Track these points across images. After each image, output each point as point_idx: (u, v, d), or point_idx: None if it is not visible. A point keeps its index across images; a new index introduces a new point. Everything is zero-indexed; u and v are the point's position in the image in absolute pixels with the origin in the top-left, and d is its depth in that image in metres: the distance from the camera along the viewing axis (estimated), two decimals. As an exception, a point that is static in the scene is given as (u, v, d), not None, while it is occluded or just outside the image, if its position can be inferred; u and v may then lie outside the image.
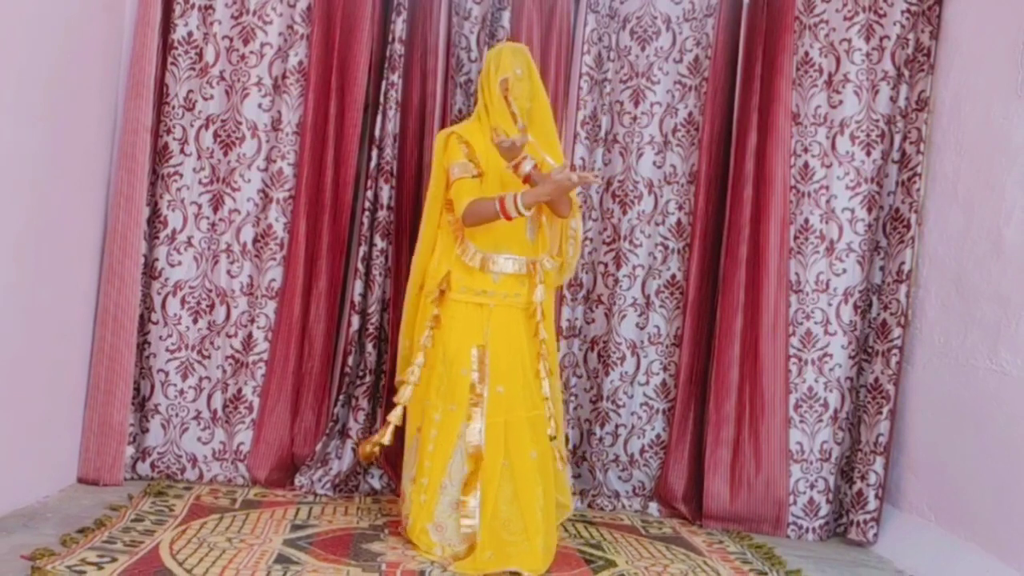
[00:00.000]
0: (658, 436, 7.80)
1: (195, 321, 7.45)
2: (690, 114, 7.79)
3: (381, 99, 7.46)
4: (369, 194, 7.44)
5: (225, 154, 7.44)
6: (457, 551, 5.96)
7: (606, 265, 7.85)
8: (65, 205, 6.58)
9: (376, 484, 7.43)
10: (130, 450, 7.26)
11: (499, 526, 5.96)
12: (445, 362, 6.15)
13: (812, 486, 7.46)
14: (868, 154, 7.47)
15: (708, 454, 7.44)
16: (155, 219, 7.34)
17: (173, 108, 7.36)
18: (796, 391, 7.49)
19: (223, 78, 7.45)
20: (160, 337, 7.40)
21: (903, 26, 7.39)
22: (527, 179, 6.02)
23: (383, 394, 7.36)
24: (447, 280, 6.21)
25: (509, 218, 5.95)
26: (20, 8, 5.69)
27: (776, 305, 7.41)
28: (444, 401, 6.12)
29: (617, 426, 7.83)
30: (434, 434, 6.12)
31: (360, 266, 7.41)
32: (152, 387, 7.39)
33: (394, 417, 6.26)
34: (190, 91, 7.41)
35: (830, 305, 7.50)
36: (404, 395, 6.27)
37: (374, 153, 7.42)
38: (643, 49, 7.80)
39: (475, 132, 6.35)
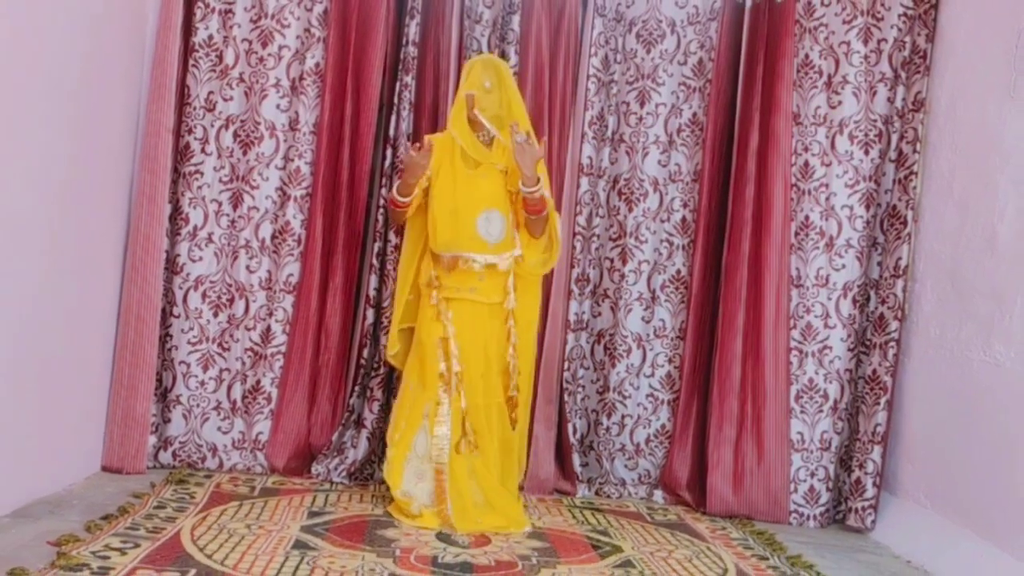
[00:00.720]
0: (663, 426, 7.78)
1: (215, 315, 7.44)
2: (694, 115, 7.76)
3: (395, 100, 7.45)
4: (383, 191, 7.42)
5: (244, 153, 7.43)
6: (427, 509, 6.40)
7: (612, 261, 7.82)
8: (90, 204, 6.57)
9: (390, 472, 7.43)
10: (152, 440, 7.25)
11: (458, 495, 6.43)
12: (419, 350, 6.60)
13: (812, 474, 7.45)
14: (866, 153, 7.46)
15: (711, 443, 7.42)
16: (177, 216, 7.34)
17: (194, 109, 7.35)
18: (797, 382, 7.49)
19: (242, 80, 7.44)
20: (182, 330, 7.39)
21: (900, 29, 7.38)
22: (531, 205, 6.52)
23: (396, 385, 7.34)
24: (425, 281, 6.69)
25: (396, 206, 6.61)
26: (47, 15, 5.68)
27: (777, 299, 7.40)
28: (417, 383, 6.56)
29: (623, 416, 7.82)
30: (406, 412, 6.56)
31: (375, 261, 7.40)
32: (174, 378, 7.39)
33: None
34: (211, 92, 7.40)
35: (830, 299, 7.49)
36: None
37: (388, 152, 7.41)
38: (648, 52, 7.78)
39: (443, 140, 6.70)
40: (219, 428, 7.44)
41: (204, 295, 7.42)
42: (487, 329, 6.61)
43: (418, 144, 6.47)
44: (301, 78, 7.47)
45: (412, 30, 7.42)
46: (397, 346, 6.85)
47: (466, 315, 6.55)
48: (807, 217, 7.52)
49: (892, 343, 7.22)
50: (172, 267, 7.35)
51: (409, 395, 6.60)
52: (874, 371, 7.28)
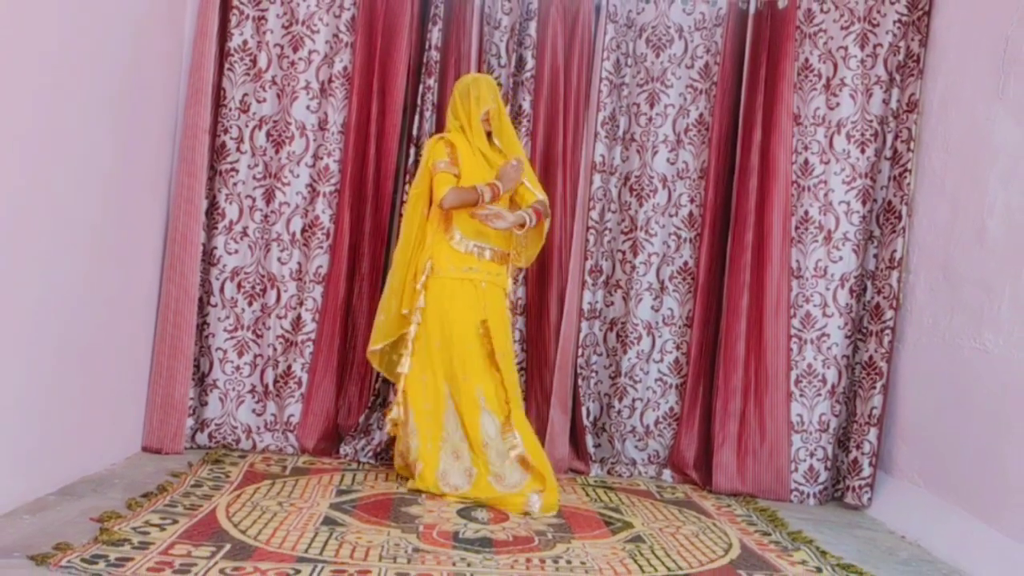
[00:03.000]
0: (671, 409, 7.78)
1: (250, 304, 7.45)
2: (700, 115, 7.76)
3: (418, 101, 7.46)
4: (407, 188, 7.38)
5: (277, 152, 7.43)
6: (512, 490, 6.33)
7: (624, 253, 7.82)
8: (132, 201, 6.58)
9: (414, 452, 7.43)
10: (190, 422, 7.26)
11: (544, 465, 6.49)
12: (452, 338, 6.53)
13: (812, 454, 7.44)
14: (863, 152, 7.44)
15: (717, 425, 7.42)
16: (213, 211, 7.35)
17: (230, 110, 7.36)
18: (797, 368, 7.48)
19: (275, 82, 7.43)
20: (218, 319, 7.40)
21: (895, 35, 7.36)
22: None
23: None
24: (431, 265, 6.62)
25: (484, 202, 6.51)
26: (90, 24, 5.67)
27: (779, 289, 7.39)
28: (458, 371, 6.49)
29: (634, 400, 7.82)
30: (453, 402, 6.51)
31: (399, 253, 7.40)
32: (211, 364, 7.39)
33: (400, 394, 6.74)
34: (245, 95, 7.40)
35: (828, 289, 7.48)
36: (405, 365, 6.63)
37: (412, 150, 7.40)
38: (658, 56, 7.78)
39: (460, 140, 6.76)
40: (253, 411, 7.45)
41: (239, 285, 7.43)
42: (505, 311, 6.75)
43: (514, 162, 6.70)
44: (330, 81, 7.46)
45: (435, 36, 7.42)
46: (388, 339, 6.92)
47: (492, 299, 6.63)
48: (807, 212, 7.50)
49: (887, 331, 7.21)
50: (209, 259, 7.36)
51: (452, 386, 6.53)
52: (870, 357, 7.27)
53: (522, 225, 6.57)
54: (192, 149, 7.06)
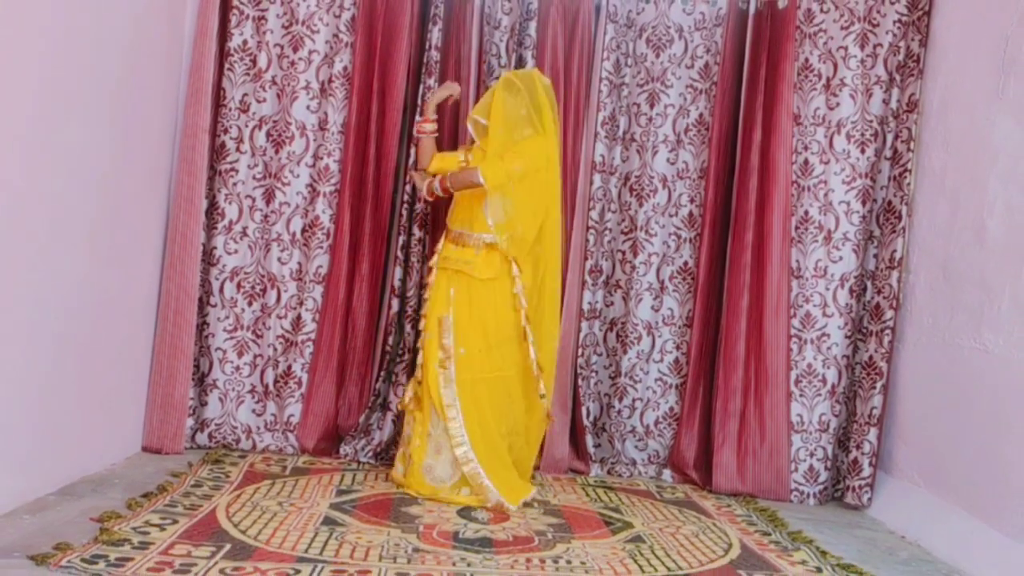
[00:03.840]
0: (671, 409, 7.77)
1: (250, 304, 7.44)
2: (700, 115, 7.75)
3: (419, 102, 7.42)
4: (408, 188, 7.42)
5: (276, 152, 7.42)
6: (448, 485, 6.41)
7: (624, 253, 7.81)
8: (132, 201, 6.57)
9: (414, 452, 7.43)
10: (190, 422, 7.26)
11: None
12: (428, 327, 6.64)
13: (812, 454, 7.43)
14: (863, 152, 7.44)
15: (717, 425, 7.42)
16: (213, 211, 7.34)
17: (230, 110, 7.35)
18: (797, 368, 7.47)
19: (275, 82, 7.42)
20: (218, 319, 7.39)
21: (895, 35, 7.36)
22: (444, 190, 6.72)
23: (420, 372, 7.32)
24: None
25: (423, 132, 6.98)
26: (89, 23, 5.66)
27: (779, 289, 7.39)
28: (427, 364, 6.54)
29: (634, 400, 7.81)
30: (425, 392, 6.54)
31: (400, 254, 7.39)
32: (211, 364, 7.38)
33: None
34: (245, 95, 7.39)
35: (828, 289, 7.47)
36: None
37: (412, 150, 7.37)
38: (658, 56, 7.77)
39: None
40: (253, 411, 7.44)
41: (239, 286, 7.42)
42: (482, 301, 6.59)
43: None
44: (330, 81, 7.45)
45: (435, 36, 7.41)
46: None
47: (461, 289, 6.56)
48: (806, 212, 7.50)
49: (887, 331, 7.21)
50: (209, 259, 7.35)
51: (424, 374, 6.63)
52: (870, 357, 7.27)
53: (431, 193, 6.70)
54: (192, 149, 7.06)
